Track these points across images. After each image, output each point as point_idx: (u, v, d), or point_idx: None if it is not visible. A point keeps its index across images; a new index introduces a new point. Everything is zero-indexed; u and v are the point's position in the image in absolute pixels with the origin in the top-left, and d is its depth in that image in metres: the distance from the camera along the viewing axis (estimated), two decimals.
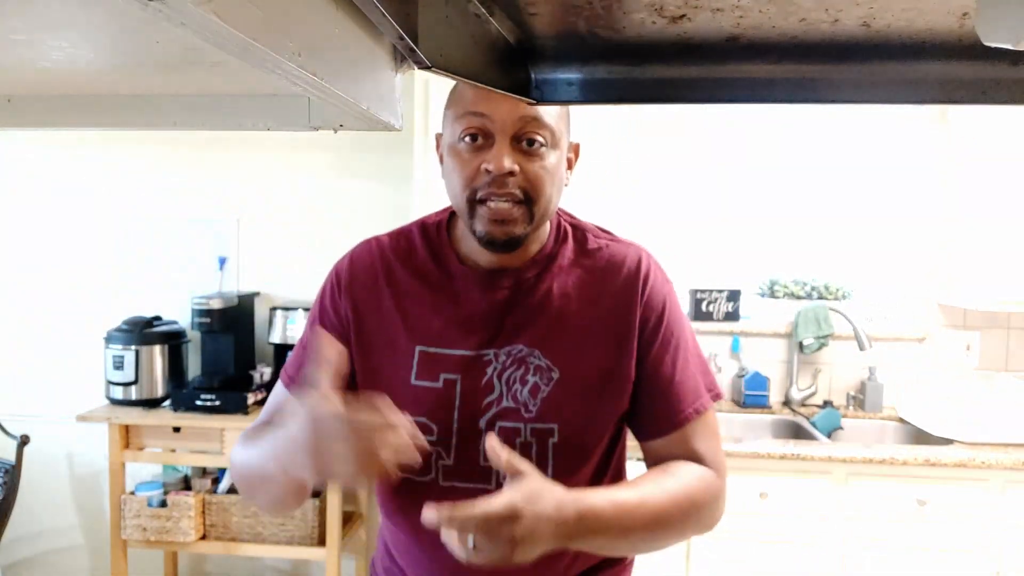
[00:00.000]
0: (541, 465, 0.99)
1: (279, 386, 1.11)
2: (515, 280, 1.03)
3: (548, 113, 0.96)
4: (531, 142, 0.95)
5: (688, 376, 1.04)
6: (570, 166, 1.05)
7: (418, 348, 1.02)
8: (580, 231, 1.09)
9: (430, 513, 0.80)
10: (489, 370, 1.01)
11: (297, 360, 1.09)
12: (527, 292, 1.02)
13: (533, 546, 0.82)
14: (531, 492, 0.83)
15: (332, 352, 0.94)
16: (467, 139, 0.96)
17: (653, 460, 1.06)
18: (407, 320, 1.03)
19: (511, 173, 0.94)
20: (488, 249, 0.99)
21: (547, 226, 1.06)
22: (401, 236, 1.09)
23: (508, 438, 0.99)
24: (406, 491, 1.04)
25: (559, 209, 1.08)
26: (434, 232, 1.08)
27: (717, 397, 1.07)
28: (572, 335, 1.01)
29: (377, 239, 1.10)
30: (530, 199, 0.96)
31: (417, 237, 1.08)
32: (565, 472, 1.00)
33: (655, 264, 1.07)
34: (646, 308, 1.03)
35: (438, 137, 1.04)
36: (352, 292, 1.05)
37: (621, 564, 1.11)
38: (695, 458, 1.03)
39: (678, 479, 0.99)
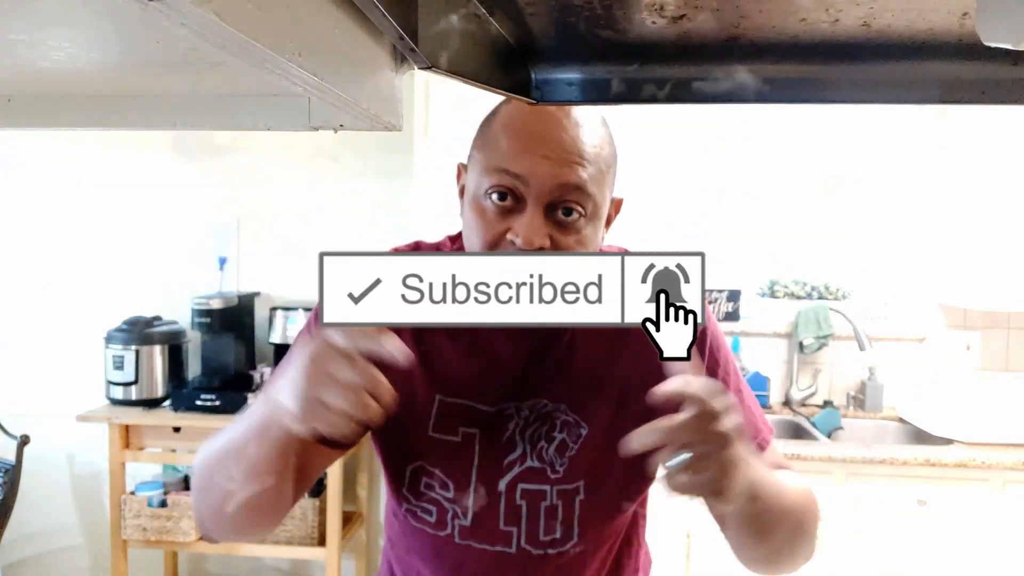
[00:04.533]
0: (567, 524, 0.94)
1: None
2: (538, 329, 0.91)
3: (594, 179, 0.83)
4: (568, 211, 0.83)
5: (744, 415, 0.94)
6: (608, 224, 0.91)
7: (438, 397, 0.93)
8: None
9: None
10: (511, 426, 0.92)
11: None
12: (551, 341, 0.92)
13: (740, 457, 0.71)
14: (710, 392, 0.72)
15: None
16: (495, 196, 0.84)
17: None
18: (428, 365, 0.92)
19: (541, 248, 0.81)
20: None
21: None
22: None
23: (532, 500, 0.93)
24: (422, 540, 0.98)
25: None
26: None
27: (766, 441, 0.97)
28: (602, 386, 0.92)
29: None
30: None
31: None
32: (591, 527, 0.95)
33: None
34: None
35: (461, 168, 0.94)
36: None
37: None
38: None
39: (798, 483, 0.90)
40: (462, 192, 0.92)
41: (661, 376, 0.90)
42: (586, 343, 0.93)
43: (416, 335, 0.93)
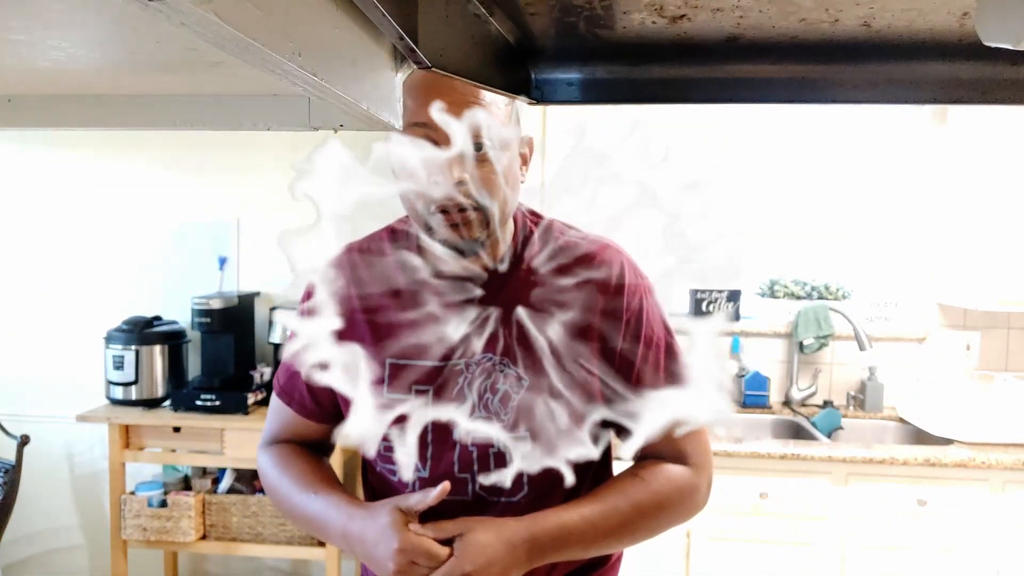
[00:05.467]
0: (517, 469, 1.00)
1: (277, 401, 1.13)
2: (482, 288, 1.01)
3: (494, 115, 0.94)
4: (478, 147, 0.93)
5: (668, 380, 1.03)
6: (525, 162, 1.03)
7: (388, 360, 1.01)
8: (546, 230, 1.06)
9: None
10: (460, 380, 1.00)
11: (290, 377, 1.11)
12: (494, 299, 1.00)
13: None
14: (475, 550, 0.91)
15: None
16: None
17: (637, 457, 1.08)
18: (376, 331, 1.01)
19: (460, 182, 0.92)
20: (454, 254, 0.97)
21: (511, 227, 1.04)
22: (371, 243, 1.07)
23: (482, 448, 1.00)
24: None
25: (525, 209, 1.07)
26: (403, 239, 1.05)
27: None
28: (541, 341, 0.99)
29: (349, 247, 1.08)
30: (484, 205, 0.94)
31: (387, 244, 1.06)
32: (539, 473, 1.00)
33: (627, 260, 1.05)
34: (619, 308, 1.01)
35: None
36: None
37: (606, 565, 1.11)
38: (679, 455, 1.05)
39: (647, 485, 1.03)
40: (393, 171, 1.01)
41: (591, 330, 1.01)
42: (524, 300, 1.01)
43: (363, 302, 1.02)
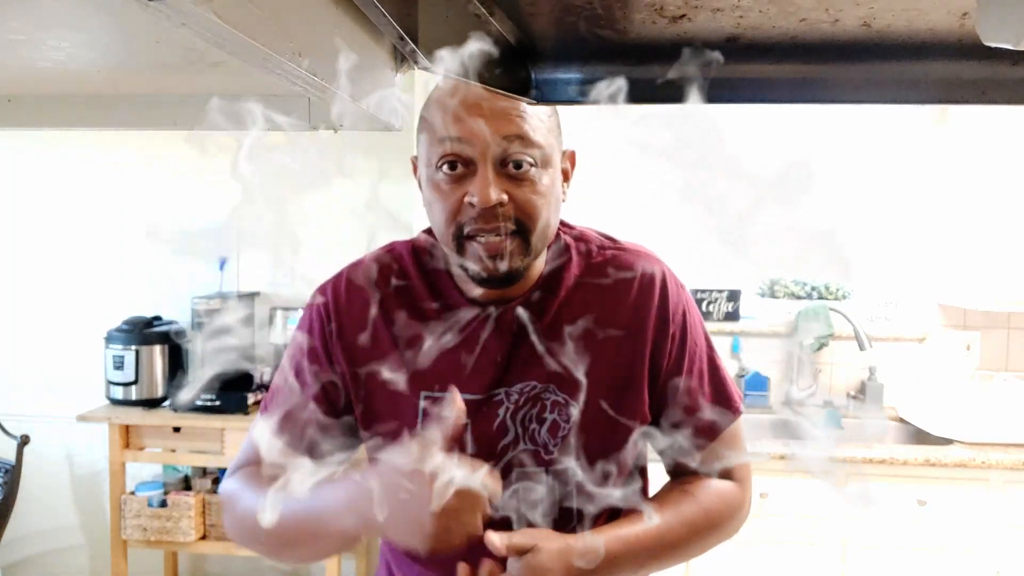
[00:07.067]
0: (565, 502, 0.95)
1: (262, 425, 0.96)
2: (520, 311, 0.92)
3: (536, 129, 0.85)
4: (519, 164, 0.84)
5: (714, 391, 0.99)
6: (566, 178, 0.94)
7: (423, 393, 0.93)
8: (583, 243, 0.98)
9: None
10: (501, 411, 0.93)
11: (282, 401, 0.96)
12: (534, 322, 0.92)
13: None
14: (538, 569, 0.83)
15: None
16: (445, 168, 0.85)
17: (677, 468, 1.03)
18: (408, 361, 0.93)
19: (500, 204, 0.83)
20: (483, 287, 0.89)
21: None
22: (391, 262, 0.97)
23: (526, 481, 0.93)
24: None
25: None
26: (428, 259, 0.96)
27: (739, 411, 1.01)
28: (587, 363, 0.92)
29: (363, 264, 0.98)
30: (525, 229, 0.85)
31: (410, 264, 0.97)
32: (587, 503, 0.96)
33: (668, 271, 0.98)
34: (665, 322, 0.95)
35: (414, 161, 0.94)
36: (343, 330, 0.95)
37: None
38: (724, 470, 1.00)
39: (699, 503, 0.97)
40: (420, 184, 0.93)
41: (638, 348, 0.95)
42: (572, 316, 0.93)
43: (393, 333, 0.94)
